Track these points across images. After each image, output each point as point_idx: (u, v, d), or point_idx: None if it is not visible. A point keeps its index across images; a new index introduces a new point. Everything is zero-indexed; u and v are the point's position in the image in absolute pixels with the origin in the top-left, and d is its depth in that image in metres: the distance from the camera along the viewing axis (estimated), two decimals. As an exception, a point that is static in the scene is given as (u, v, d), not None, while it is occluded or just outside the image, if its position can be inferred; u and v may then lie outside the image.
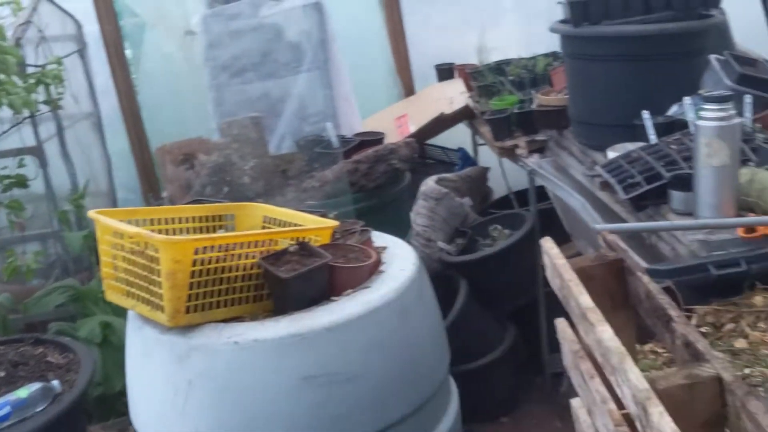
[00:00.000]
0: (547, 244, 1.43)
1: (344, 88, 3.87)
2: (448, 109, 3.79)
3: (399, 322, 1.96)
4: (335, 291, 1.97)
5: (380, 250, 2.24)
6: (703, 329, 1.56)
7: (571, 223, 2.95)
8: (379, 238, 2.33)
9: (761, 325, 1.54)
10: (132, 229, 1.91)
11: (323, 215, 2.26)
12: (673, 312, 1.12)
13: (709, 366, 0.98)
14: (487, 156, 3.90)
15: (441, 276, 3.31)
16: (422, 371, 2.03)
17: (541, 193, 3.19)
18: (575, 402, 1.59)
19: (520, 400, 3.33)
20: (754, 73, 2.15)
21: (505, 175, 3.77)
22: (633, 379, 0.99)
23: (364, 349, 1.88)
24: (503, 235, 3.23)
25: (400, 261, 2.17)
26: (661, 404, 0.93)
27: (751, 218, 1.57)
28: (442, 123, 3.86)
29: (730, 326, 1.56)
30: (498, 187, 4.04)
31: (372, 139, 3.66)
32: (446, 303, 3.15)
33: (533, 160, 3.07)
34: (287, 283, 1.88)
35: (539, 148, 3.14)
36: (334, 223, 2.20)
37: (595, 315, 1.16)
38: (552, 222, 3.15)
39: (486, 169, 3.85)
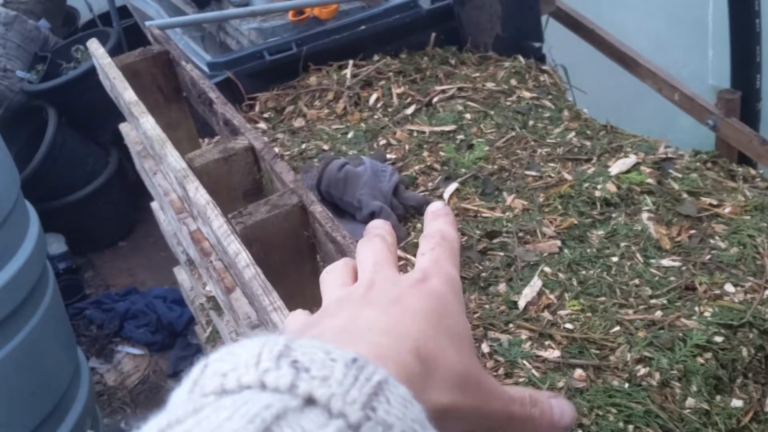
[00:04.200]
0: (93, 46, 1.36)
1: None
2: None
3: None
4: None
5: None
6: (266, 114, 1.64)
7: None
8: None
9: (317, 103, 1.66)
10: None
11: None
12: (213, 94, 1.14)
13: (243, 138, 1.03)
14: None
15: (28, 108, 3.05)
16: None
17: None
18: (153, 205, 1.60)
19: (137, 221, 3.30)
20: None
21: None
22: (172, 161, 1.01)
23: None
24: (86, 55, 3.03)
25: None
26: (196, 180, 0.96)
27: (295, 1, 1.63)
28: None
29: (290, 108, 1.66)
30: (85, 8, 3.73)
31: None
32: (38, 136, 2.94)
33: (105, -30, 2.86)
34: None
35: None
36: None
37: (139, 108, 1.14)
38: (142, 38, 3.01)
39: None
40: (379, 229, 0.50)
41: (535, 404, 0.44)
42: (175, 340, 2.73)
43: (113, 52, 3.00)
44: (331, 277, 0.48)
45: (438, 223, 0.48)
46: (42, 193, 2.73)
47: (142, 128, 1.11)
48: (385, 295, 0.42)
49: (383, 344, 0.37)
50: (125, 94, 1.18)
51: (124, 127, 1.46)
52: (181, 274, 1.66)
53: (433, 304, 0.41)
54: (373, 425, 0.28)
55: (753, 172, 1.33)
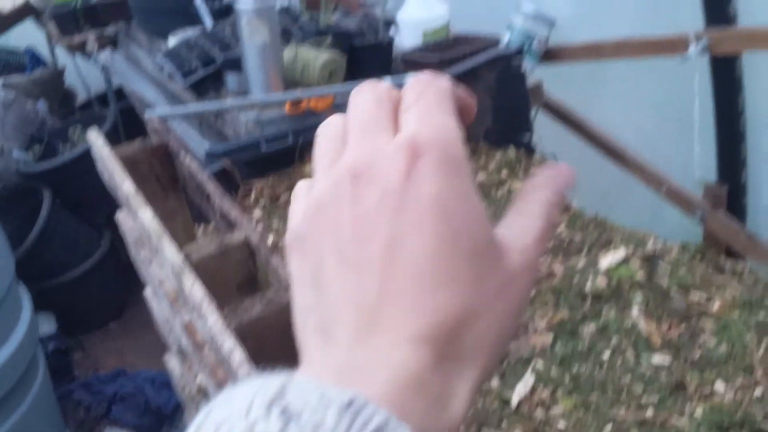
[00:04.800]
0: (92, 136, 1.38)
1: None
2: (6, 8, 3.43)
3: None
4: None
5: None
6: (261, 202, 1.67)
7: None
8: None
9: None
10: None
11: None
12: (210, 187, 1.16)
13: (239, 232, 1.04)
14: (66, 56, 3.63)
15: (23, 188, 3.08)
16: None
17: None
18: (147, 292, 1.60)
19: (128, 303, 3.28)
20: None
21: (80, 73, 3.55)
22: (169, 255, 1.02)
23: None
24: (83, 136, 3.08)
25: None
26: (193, 274, 0.97)
27: (291, 93, 1.67)
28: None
29: (285, 196, 1.68)
30: (83, 89, 3.80)
31: None
32: (33, 216, 2.95)
33: (105, 55, 2.93)
34: None
35: (111, 42, 2.99)
36: None
37: (137, 200, 1.16)
38: (138, 119, 3.07)
39: (60, 70, 3.59)
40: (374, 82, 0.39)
41: (551, 215, 0.36)
42: (163, 424, 2.69)
43: (110, 134, 3.06)
44: (322, 143, 0.38)
45: (422, 75, 0.38)
46: (34, 272, 2.72)
47: (139, 219, 1.12)
48: (375, 230, 0.33)
49: (380, 345, 0.31)
50: (124, 185, 1.19)
51: (120, 215, 1.48)
52: (172, 362, 1.65)
53: (434, 231, 0.32)
54: None
55: (741, 266, 1.36)
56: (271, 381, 0.29)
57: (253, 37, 1.69)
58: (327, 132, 0.38)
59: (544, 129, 1.94)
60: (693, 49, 1.51)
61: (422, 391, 0.30)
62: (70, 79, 3.74)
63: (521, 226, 0.36)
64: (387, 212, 0.33)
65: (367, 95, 0.38)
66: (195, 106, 1.79)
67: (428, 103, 0.36)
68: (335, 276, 0.34)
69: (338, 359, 0.32)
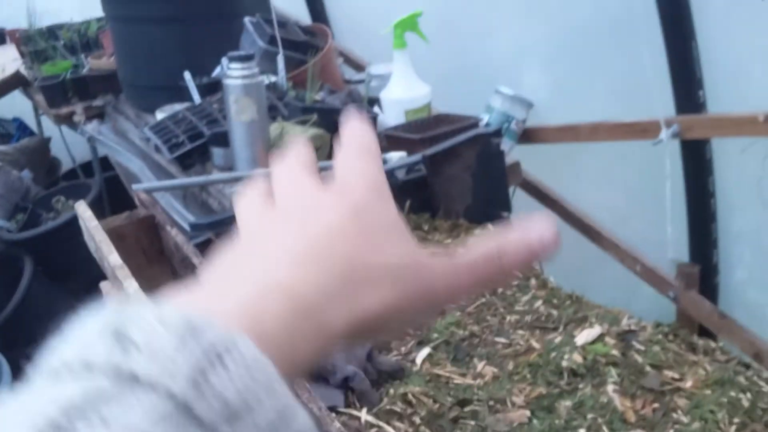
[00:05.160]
0: (80, 209, 1.41)
1: None
2: (-5, 77, 3.49)
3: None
4: None
5: None
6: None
7: (136, 187, 2.92)
8: None
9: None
10: None
11: None
12: (196, 260, 1.19)
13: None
14: (52, 126, 3.69)
15: (4, 256, 3.08)
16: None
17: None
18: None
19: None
20: (285, 35, 2.32)
21: (66, 144, 3.59)
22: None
23: None
24: (67, 206, 3.10)
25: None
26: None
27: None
28: (-10, 92, 3.53)
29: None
30: (68, 158, 3.84)
31: None
32: (14, 285, 2.94)
33: (92, 127, 2.97)
34: None
35: (98, 114, 3.05)
36: None
37: (123, 271, 1.18)
38: (122, 190, 3.10)
39: (46, 140, 3.63)
40: (296, 145, 0.45)
41: (502, 255, 0.39)
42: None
43: (94, 204, 3.08)
44: (245, 202, 0.43)
45: (353, 125, 0.44)
46: (14, 340, 2.70)
47: (125, 291, 1.15)
48: (300, 215, 0.38)
49: (277, 277, 0.34)
50: (110, 257, 1.22)
51: (105, 285, 1.49)
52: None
53: (354, 215, 0.37)
54: (207, 399, 0.25)
55: (713, 344, 1.39)
56: (114, 312, 0.29)
57: (240, 114, 1.74)
58: (248, 194, 0.43)
59: (522, 206, 2.00)
60: (664, 133, 1.57)
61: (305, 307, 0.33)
62: (56, 148, 3.78)
63: (458, 253, 0.40)
64: (313, 211, 0.38)
65: (291, 160, 0.43)
66: (181, 181, 1.82)
67: (358, 157, 0.41)
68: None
69: (221, 274, 0.36)
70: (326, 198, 0.39)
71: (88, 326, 0.28)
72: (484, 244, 0.40)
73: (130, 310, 0.29)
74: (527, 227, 0.40)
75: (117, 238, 1.30)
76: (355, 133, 0.43)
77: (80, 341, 0.27)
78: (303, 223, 0.38)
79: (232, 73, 1.73)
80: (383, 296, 0.36)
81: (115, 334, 0.27)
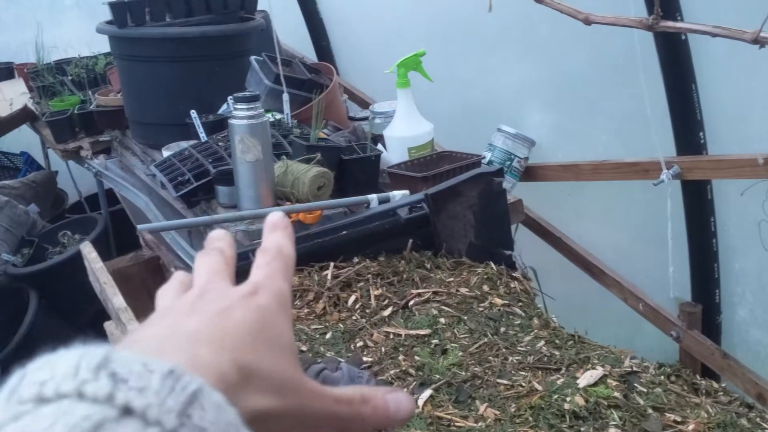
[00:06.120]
0: (86, 249, 1.42)
1: None
2: (5, 112, 3.53)
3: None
4: None
5: None
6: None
7: (141, 223, 2.94)
8: None
9: (298, 302, 1.72)
10: None
11: None
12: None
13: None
14: (59, 159, 3.72)
15: (10, 289, 3.09)
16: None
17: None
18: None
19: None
20: (289, 73, 2.35)
21: (73, 178, 3.62)
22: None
23: None
24: (73, 240, 3.12)
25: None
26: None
27: (282, 207, 1.73)
28: (-1, 126, 3.57)
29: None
30: (74, 191, 3.88)
31: None
32: (19, 318, 2.95)
33: (98, 162, 3.00)
34: None
35: (105, 149, 3.08)
36: None
37: (127, 315, 1.19)
38: (128, 223, 3.13)
39: (53, 173, 3.66)
40: (219, 242, 0.52)
41: (366, 402, 0.45)
42: None
43: (100, 238, 3.09)
44: (165, 292, 0.48)
45: (276, 236, 0.50)
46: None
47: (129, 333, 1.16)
48: (212, 306, 0.43)
49: (202, 354, 0.38)
50: (114, 299, 1.23)
51: (108, 326, 1.50)
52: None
53: (257, 317, 0.42)
54: (189, 431, 0.30)
55: (715, 385, 1.39)
56: (93, 350, 0.32)
57: (245, 154, 1.76)
58: (169, 285, 0.49)
59: (524, 244, 2.00)
60: (665, 174, 1.59)
61: (224, 386, 0.36)
62: (62, 180, 3.81)
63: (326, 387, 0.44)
64: (224, 304, 0.42)
65: (213, 257, 0.49)
66: (184, 221, 1.84)
67: (273, 270, 0.46)
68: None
69: (157, 338, 0.40)
70: (237, 296, 0.43)
71: (75, 361, 0.31)
72: (353, 389, 0.46)
73: (117, 354, 0.32)
74: (393, 393, 0.46)
75: (122, 279, 1.32)
76: (277, 240, 0.49)
77: (74, 375, 0.30)
78: (214, 314, 0.42)
79: (238, 113, 1.75)
80: (268, 401, 0.40)
81: (110, 374, 0.30)
